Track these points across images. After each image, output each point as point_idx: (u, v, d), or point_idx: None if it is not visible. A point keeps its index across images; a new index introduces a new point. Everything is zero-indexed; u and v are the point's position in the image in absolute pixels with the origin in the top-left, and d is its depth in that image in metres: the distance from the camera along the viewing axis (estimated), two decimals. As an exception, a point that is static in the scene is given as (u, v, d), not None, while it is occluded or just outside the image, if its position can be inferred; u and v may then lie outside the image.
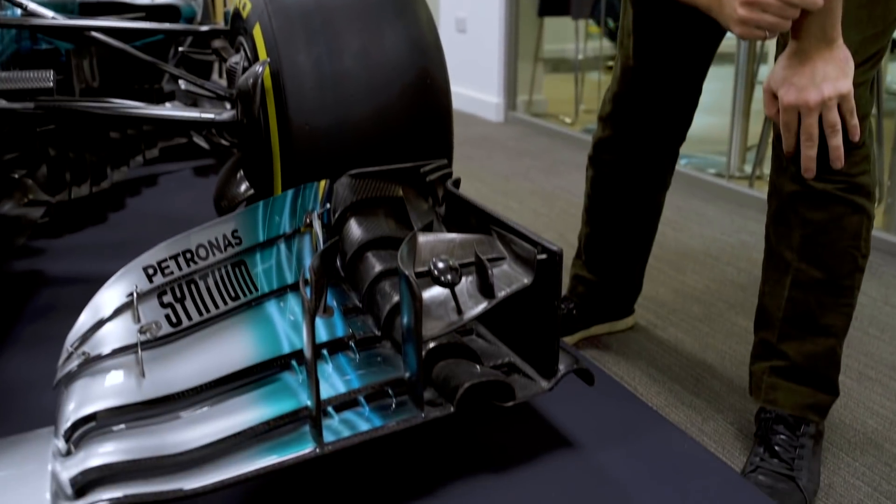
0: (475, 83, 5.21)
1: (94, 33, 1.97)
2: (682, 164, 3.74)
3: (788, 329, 1.52)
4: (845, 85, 1.31)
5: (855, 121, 1.35)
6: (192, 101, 2.54)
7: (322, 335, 1.25)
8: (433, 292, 1.16)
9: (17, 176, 2.08)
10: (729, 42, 1.80)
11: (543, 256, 1.13)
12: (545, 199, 3.29)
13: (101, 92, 2.53)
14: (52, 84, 1.59)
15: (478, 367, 1.16)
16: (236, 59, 1.78)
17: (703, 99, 1.84)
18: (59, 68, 2.35)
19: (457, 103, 5.47)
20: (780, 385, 1.53)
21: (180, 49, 2.19)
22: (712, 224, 2.95)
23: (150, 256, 1.21)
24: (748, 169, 3.53)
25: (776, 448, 1.49)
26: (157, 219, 2.56)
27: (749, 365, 1.61)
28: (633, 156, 1.85)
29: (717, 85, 3.01)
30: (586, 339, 2.05)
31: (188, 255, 1.24)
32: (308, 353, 1.03)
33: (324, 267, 1.13)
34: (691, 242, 2.75)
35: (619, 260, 1.99)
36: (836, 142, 1.35)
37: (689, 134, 1.87)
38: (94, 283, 1.17)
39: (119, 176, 2.60)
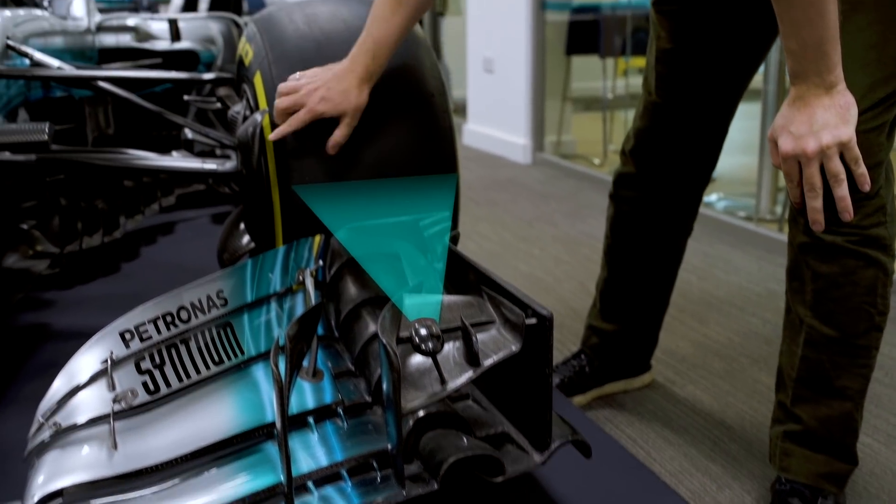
0: (503, 124, 5.18)
1: (101, 83, 1.95)
2: (714, 207, 3.66)
3: (802, 391, 1.44)
4: (846, 132, 1.24)
5: (861, 169, 1.27)
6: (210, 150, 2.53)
7: (309, 401, 1.20)
8: (417, 359, 1.10)
9: (25, 227, 2.06)
10: (756, 78, 1.74)
11: (533, 321, 1.06)
12: (568, 245, 3.22)
13: (116, 139, 2.53)
14: (46, 137, 1.56)
15: (465, 438, 1.10)
16: (238, 108, 1.76)
17: (732, 137, 1.78)
18: (73, 115, 2.35)
19: (484, 145, 5.46)
20: (794, 451, 1.45)
21: (185, 98, 2.17)
22: (739, 271, 2.86)
23: (128, 320, 1.17)
24: (781, 210, 3.44)
25: (791, 523, 1.40)
26: (170, 269, 2.54)
27: (769, 428, 1.53)
28: (655, 195, 1.79)
29: (746, 123, 2.94)
30: (600, 398, 1.97)
31: (168, 318, 1.20)
32: (279, 427, 0.98)
33: (302, 333, 1.07)
34: (716, 291, 2.67)
35: (636, 308, 1.91)
36: (842, 192, 1.28)
37: (719, 174, 1.80)
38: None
39: (133, 225, 2.59)
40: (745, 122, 1.77)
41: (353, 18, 1.55)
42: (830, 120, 1.24)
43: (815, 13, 1.18)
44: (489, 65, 5.28)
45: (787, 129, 1.28)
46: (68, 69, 1.96)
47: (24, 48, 1.93)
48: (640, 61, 5.07)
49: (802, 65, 1.23)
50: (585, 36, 4.95)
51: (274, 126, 1.44)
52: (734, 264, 2.95)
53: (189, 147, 2.16)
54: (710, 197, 3.78)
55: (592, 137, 5.14)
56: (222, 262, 1.81)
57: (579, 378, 1.93)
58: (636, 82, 5.25)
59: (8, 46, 1.90)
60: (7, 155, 1.69)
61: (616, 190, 1.85)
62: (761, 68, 2.05)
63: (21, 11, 2.13)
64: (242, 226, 1.83)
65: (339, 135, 1.40)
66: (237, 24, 3.29)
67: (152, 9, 7.03)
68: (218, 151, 2.30)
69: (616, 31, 4.90)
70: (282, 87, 1.41)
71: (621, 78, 5.46)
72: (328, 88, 1.38)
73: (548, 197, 4.06)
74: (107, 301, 2.26)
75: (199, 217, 3.02)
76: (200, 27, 3.15)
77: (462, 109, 5.90)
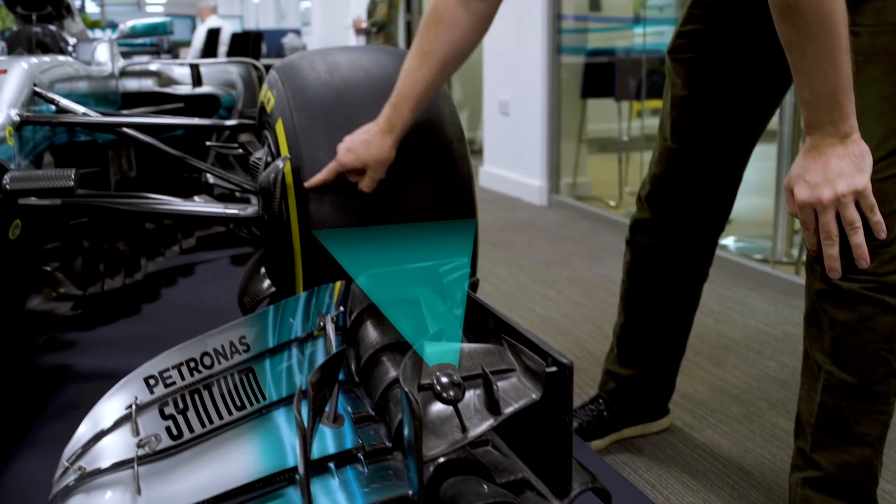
0: (519, 166, 5.21)
1: (125, 129, 1.99)
2: (730, 249, 3.66)
3: (821, 437, 1.44)
4: (861, 181, 1.26)
5: (877, 217, 1.29)
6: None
7: (329, 446, 1.21)
8: (438, 407, 1.11)
9: (48, 269, 2.09)
10: (772, 119, 1.77)
11: (553, 369, 1.07)
12: (585, 288, 3.23)
13: (138, 182, 2.57)
14: (72, 183, 1.59)
15: (486, 485, 1.10)
16: (259, 154, 1.79)
17: (748, 179, 1.80)
18: (96, 159, 2.39)
19: (500, 186, 5.48)
20: (814, 498, 1.45)
21: (207, 143, 2.20)
22: (756, 314, 2.86)
23: (152, 366, 1.18)
24: (797, 253, 3.44)
25: (811, 573, 1.39)
26: (190, 310, 2.56)
27: (788, 475, 1.53)
28: (671, 240, 1.81)
29: (762, 164, 2.96)
30: (618, 442, 1.97)
31: (192, 364, 1.21)
32: (302, 472, 0.99)
33: (324, 380, 1.08)
34: (733, 334, 2.67)
35: (653, 353, 1.92)
36: (857, 240, 1.29)
37: (735, 216, 1.81)
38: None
39: (154, 266, 2.62)
40: (760, 164, 1.79)
41: (374, 67, 1.58)
42: (845, 168, 1.26)
43: (827, 64, 1.20)
44: (505, 108, 5.32)
45: (802, 178, 1.30)
46: (93, 115, 2.00)
47: (50, 94, 1.97)
48: (654, 102, 5.11)
49: (817, 114, 1.25)
50: (601, 79, 5.00)
51: (296, 172, 1.47)
52: (751, 307, 2.95)
53: (210, 191, 2.19)
54: (726, 239, 3.78)
55: (608, 179, 5.16)
56: (243, 305, 1.82)
57: (597, 422, 1.93)
58: (650, 123, 5.27)
59: (35, 93, 1.94)
60: (33, 200, 1.72)
61: (632, 236, 1.87)
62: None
63: (47, 58, 2.18)
64: (263, 270, 1.85)
65: (361, 185, 1.43)
66: (256, 68, 3.35)
67: (172, 52, 7.14)
68: (238, 194, 2.34)
69: (631, 74, 4.94)
70: None
71: (636, 119, 5.49)
72: (352, 141, 1.41)
73: (564, 239, 4.08)
74: (128, 342, 2.29)
75: (218, 258, 3.05)
76: (221, 72, 3.21)
77: (478, 151, 5.94)
